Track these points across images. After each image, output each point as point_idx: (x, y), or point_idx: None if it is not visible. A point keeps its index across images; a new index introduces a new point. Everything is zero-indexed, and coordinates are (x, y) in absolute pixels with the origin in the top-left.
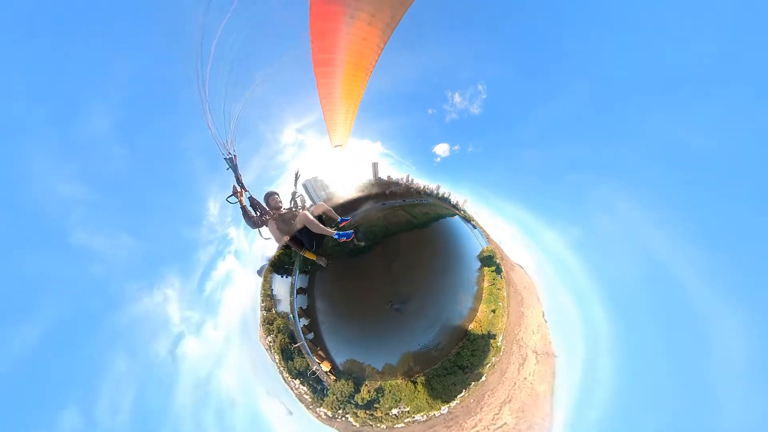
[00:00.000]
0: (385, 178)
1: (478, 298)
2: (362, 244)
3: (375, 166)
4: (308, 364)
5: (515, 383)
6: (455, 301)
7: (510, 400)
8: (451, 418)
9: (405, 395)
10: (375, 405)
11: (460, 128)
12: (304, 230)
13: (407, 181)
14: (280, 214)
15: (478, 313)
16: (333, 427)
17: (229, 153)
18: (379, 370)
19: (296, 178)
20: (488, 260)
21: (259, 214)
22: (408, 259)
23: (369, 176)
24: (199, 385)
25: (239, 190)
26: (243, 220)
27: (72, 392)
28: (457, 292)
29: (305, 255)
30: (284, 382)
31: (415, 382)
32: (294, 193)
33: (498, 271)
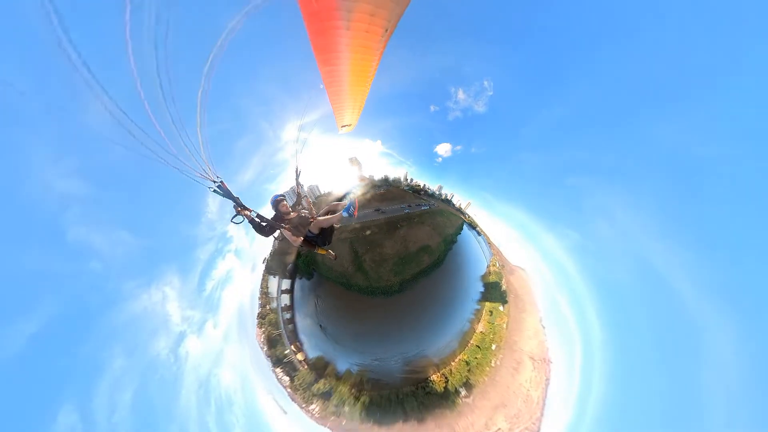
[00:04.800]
0: (369, 177)
1: (464, 342)
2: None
3: (355, 161)
4: (286, 352)
5: (509, 388)
6: (436, 337)
7: (505, 406)
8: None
9: (349, 402)
10: (328, 398)
11: (464, 127)
12: (319, 232)
13: (405, 179)
14: (290, 220)
15: (452, 363)
16: (326, 426)
17: (215, 181)
18: (340, 373)
19: (297, 174)
20: (493, 289)
21: (270, 224)
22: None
23: (350, 174)
24: (201, 384)
25: (241, 209)
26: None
27: (69, 390)
28: (445, 326)
29: (318, 251)
30: (278, 382)
31: (358, 398)
32: (299, 194)
33: (503, 301)
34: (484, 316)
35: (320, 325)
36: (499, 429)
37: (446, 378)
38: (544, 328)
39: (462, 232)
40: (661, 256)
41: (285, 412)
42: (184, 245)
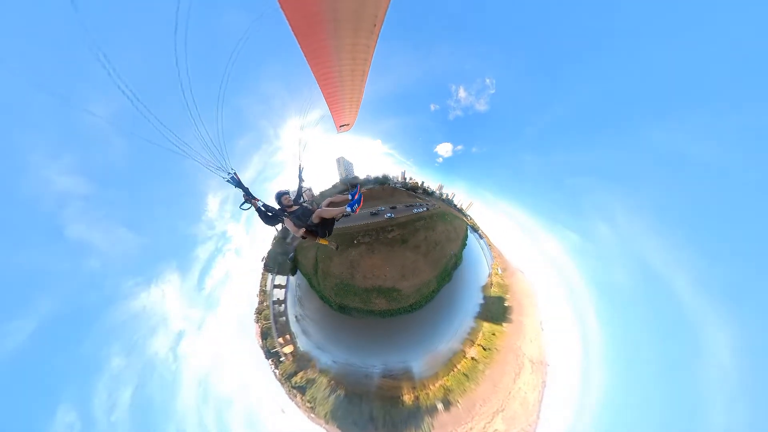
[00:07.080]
0: (362, 177)
1: (450, 365)
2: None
3: (341, 162)
4: (275, 345)
5: (510, 393)
6: (424, 351)
7: (503, 409)
8: (439, 426)
9: (319, 400)
10: (305, 392)
11: (465, 126)
12: (320, 222)
13: (402, 177)
14: (292, 211)
15: (431, 387)
16: (322, 426)
17: (229, 173)
18: (321, 368)
19: (300, 170)
20: (495, 306)
21: (274, 214)
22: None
23: (336, 175)
24: (200, 382)
25: (250, 198)
26: (259, 219)
27: (67, 388)
28: (431, 342)
29: (320, 242)
30: (277, 380)
31: (328, 400)
32: (301, 187)
33: (505, 319)
34: (480, 339)
35: (296, 317)
36: (496, 430)
37: (418, 399)
38: (542, 330)
39: (467, 244)
40: (660, 257)
41: (283, 411)
42: (184, 244)
